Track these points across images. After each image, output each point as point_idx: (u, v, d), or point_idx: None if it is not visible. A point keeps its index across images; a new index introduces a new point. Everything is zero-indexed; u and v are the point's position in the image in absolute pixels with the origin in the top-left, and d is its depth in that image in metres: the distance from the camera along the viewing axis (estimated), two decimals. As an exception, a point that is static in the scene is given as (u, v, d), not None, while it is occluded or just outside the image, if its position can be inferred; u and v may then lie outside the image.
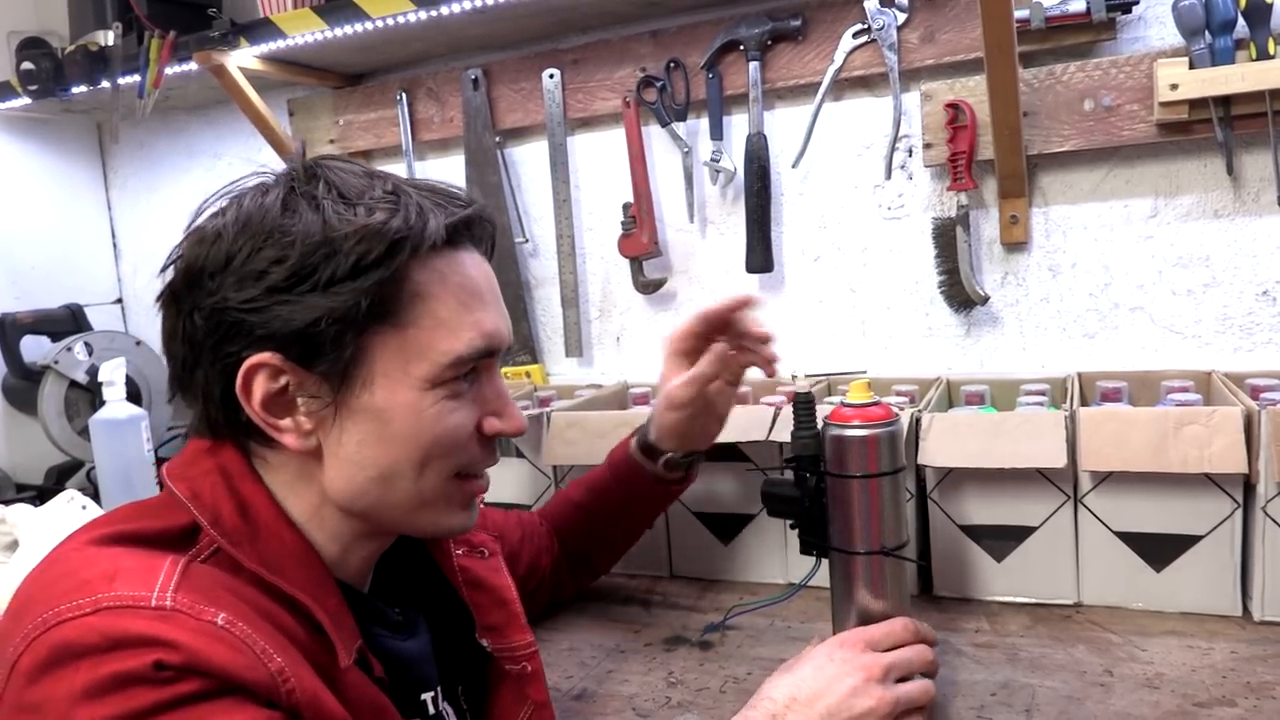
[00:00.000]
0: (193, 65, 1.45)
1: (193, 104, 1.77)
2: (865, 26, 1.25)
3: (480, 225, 0.67)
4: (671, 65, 1.37)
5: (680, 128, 1.39)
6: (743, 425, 1.13)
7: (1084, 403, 1.09)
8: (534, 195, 1.53)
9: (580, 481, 1.07)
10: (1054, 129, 1.18)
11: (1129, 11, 1.12)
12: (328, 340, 0.60)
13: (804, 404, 0.89)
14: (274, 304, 0.59)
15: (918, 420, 1.07)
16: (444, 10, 1.27)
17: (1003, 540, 1.04)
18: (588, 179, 1.49)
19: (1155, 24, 1.14)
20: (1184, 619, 0.97)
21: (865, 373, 0.92)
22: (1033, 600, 1.03)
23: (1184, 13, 1.08)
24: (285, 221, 0.60)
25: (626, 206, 1.43)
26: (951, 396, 1.24)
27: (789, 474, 0.89)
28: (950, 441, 1.04)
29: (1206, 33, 1.07)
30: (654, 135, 1.42)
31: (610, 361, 1.53)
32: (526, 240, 1.54)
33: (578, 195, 1.50)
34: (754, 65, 1.31)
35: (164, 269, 0.63)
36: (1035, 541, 1.03)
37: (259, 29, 1.39)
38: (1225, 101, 1.08)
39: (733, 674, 0.93)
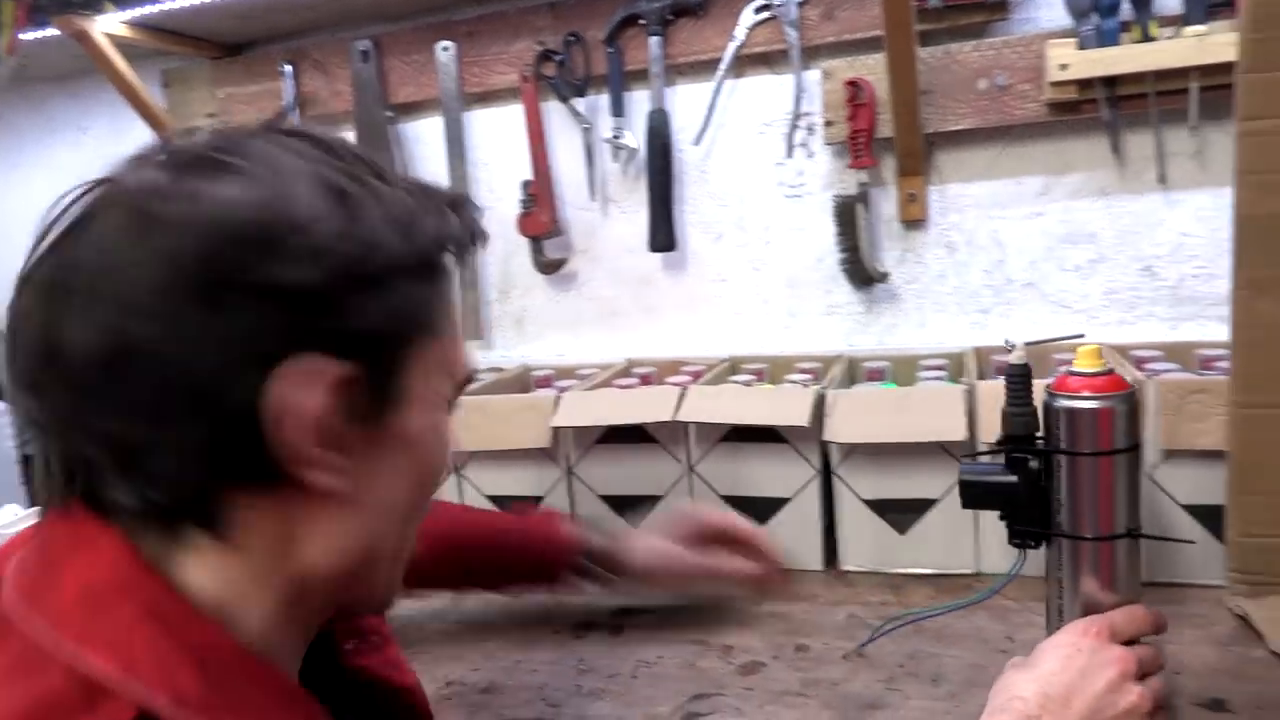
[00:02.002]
0: (53, 31, 1.35)
1: (55, 74, 1.65)
2: (766, 3, 1.24)
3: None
4: (571, 39, 1.33)
5: (580, 104, 1.36)
6: (648, 405, 1.12)
7: (980, 376, 1.11)
8: (428, 172, 1.48)
9: (471, 526, 0.98)
10: (950, 108, 1.19)
11: (1022, -9, 1.14)
12: (394, 347, 0.48)
13: (1020, 376, 0.78)
14: (341, 290, 0.45)
15: (822, 398, 1.07)
16: (330, -24, 1.21)
17: (906, 513, 1.06)
18: (486, 156, 1.45)
19: (1045, 5, 1.17)
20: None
21: (1083, 336, 0.80)
22: (935, 571, 1.05)
23: (1073, -6, 1.10)
24: (338, 198, 0.46)
25: (526, 184, 1.40)
26: (853, 373, 1.26)
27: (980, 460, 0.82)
28: (856, 418, 1.04)
29: (1094, 15, 1.09)
30: (553, 111, 1.39)
31: (511, 344, 1.50)
32: (423, 219, 1.49)
33: (476, 173, 1.45)
34: (655, 40, 1.28)
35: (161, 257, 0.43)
36: (937, 513, 1.04)
37: (126, -8, 1.30)
38: (1111, 82, 1.12)
39: (644, 658, 0.92)
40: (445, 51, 1.40)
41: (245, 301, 0.43)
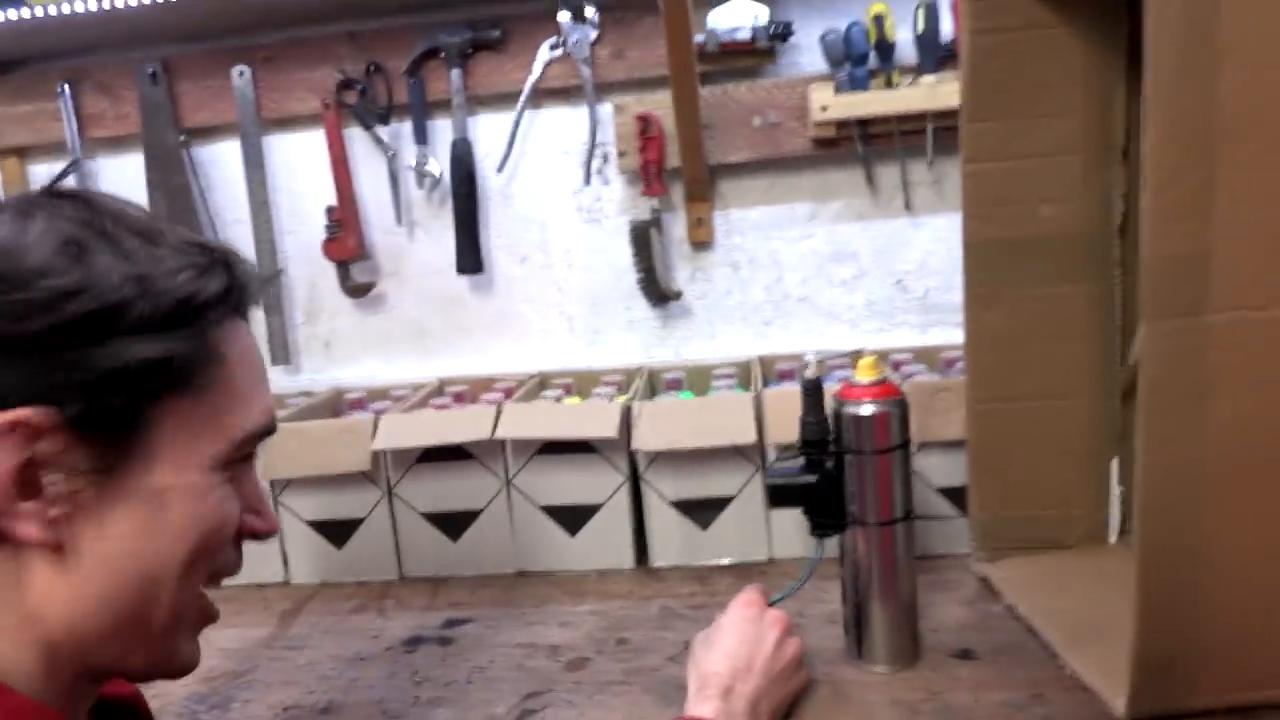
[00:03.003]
0: None
1: None
2: (560, 41, 1.32)
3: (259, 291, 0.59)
4: (372, 68, 1.36)
5: (383, 131, 1.39)
6: (467, 424, 1.17)
7: (766, 383, 1.24)
8: (227, 197, 1.46)
9: None
10: (729, 141, 1.32)
11: (785, 40, 1.28)
12: (122, 401, 0.48)
13: (814, 389, 0.90)
14: (67, 342, 0.46)
15: (628, 410, 1.17)
16: (119, 4, 1.18)
17: (706, 511, 1.17)
18: (287, 180, 1.45)
19: (806, 51, 1.32)
20: (853, 562, 1.14)
21: (861, 351, 0.91)
22: (735, 561, 1.17)
23: (829, 45, 1.25)
24: (75, 252, 0.47)
25: (330, 210, 1.41)
26: (654, 384, 1.36)
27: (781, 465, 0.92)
28: (659, 427, 1.14)
29: (847, 63, 1.25)
30: (356, 137, 1.41)
31: (320, 367, 1.50)
32: (221, 245, 1.46)
33: (277, 198, 1.45)
34: (456, 72, 1.34)
35: None
36: (733, 509, 1.16)
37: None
38: (864, 122, 1.28)
39: (477, 664, 0.98)
40: (241, 76, 1.39)
41: None
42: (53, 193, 0.51)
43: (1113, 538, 1.09)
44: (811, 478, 0.91)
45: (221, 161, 1.45)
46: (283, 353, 1.47)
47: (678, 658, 0.95)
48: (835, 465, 0.90)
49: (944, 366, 1.28)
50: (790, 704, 0.84)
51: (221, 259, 0.53)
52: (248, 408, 0.54)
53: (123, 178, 1.45)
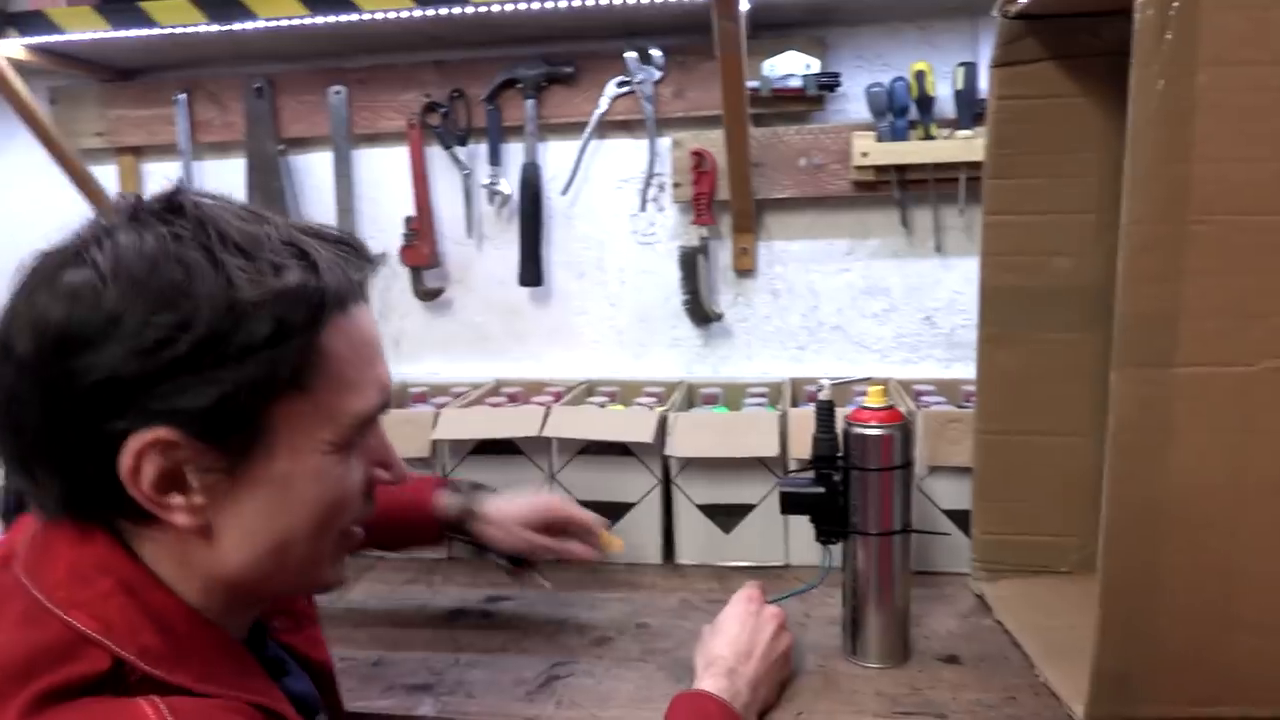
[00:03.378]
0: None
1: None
2: (627, 79, 1.44)
3: (373, 273, 0.64)
4: (455, 94, 1.50)
5: (461, 151, 1.52)
6: (518, 421, 1.30)
7: (794, 404, 1.35)
8: (316, 203, 1.61)
9: None
10: (776, 179, 1.43)
11: (833, 90, 1.39)
12: (236, 414, 0.54)
13: (826, 409, 1.01)
14: (178, 378, 0.52)
15: (664, 419, 1.28)
16: (237, 27, 1.33)
17: (730, 516, 1.28)
18: (371, 190, 1.59)
19: (852, 100, 1.42)
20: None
21: (870, 379, 1.07)
22: (753, 564, 1.27)
23: (873, 97, 1.36)
24: (181, 279, 0.53)
25: (409, 219, 1.55)
26: (692, 398, 1.48)
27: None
28: (692, 436, 1.26)
29: (889, 114, 1.35)
30: (436, 155, 1.55)
31: (390, 364, 1.64)
32: (309, 245, 1.61)
33: (361, 206, 1.59)
34: (530, 102, 1.47)
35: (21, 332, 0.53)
36: (755, 516, 1.27)
37: (30, 22, 1.38)
38: (902, 169, 1.38)
39: (511, 636, 1.09)
40: (337, 95, 1.54)
41: (88, 385, 0.52)
42: (170, 206, 0.57)
43: (1103, 567, 1.17)
44: (820, 489, 1.01)
45: (313, 170, 1.60)
46: (357, 346, 1.61)
47: (691, 644, 1.06)
48: (842, 479, 1.01)
49: (963, 399, 1.37)
50: (779, 691, 0.95)
51: (315, 262, 0.57)
52: (358, 394, 0.60)
53: (225, 180, 1.60)
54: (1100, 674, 0.86)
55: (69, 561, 0.57)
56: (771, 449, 1.22)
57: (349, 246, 0.61)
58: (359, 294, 0.62)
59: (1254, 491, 0.83)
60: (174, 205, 0.57)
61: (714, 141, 1.43)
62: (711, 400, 1.44)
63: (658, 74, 1.43)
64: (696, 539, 1.29)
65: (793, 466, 1.24)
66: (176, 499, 0.56)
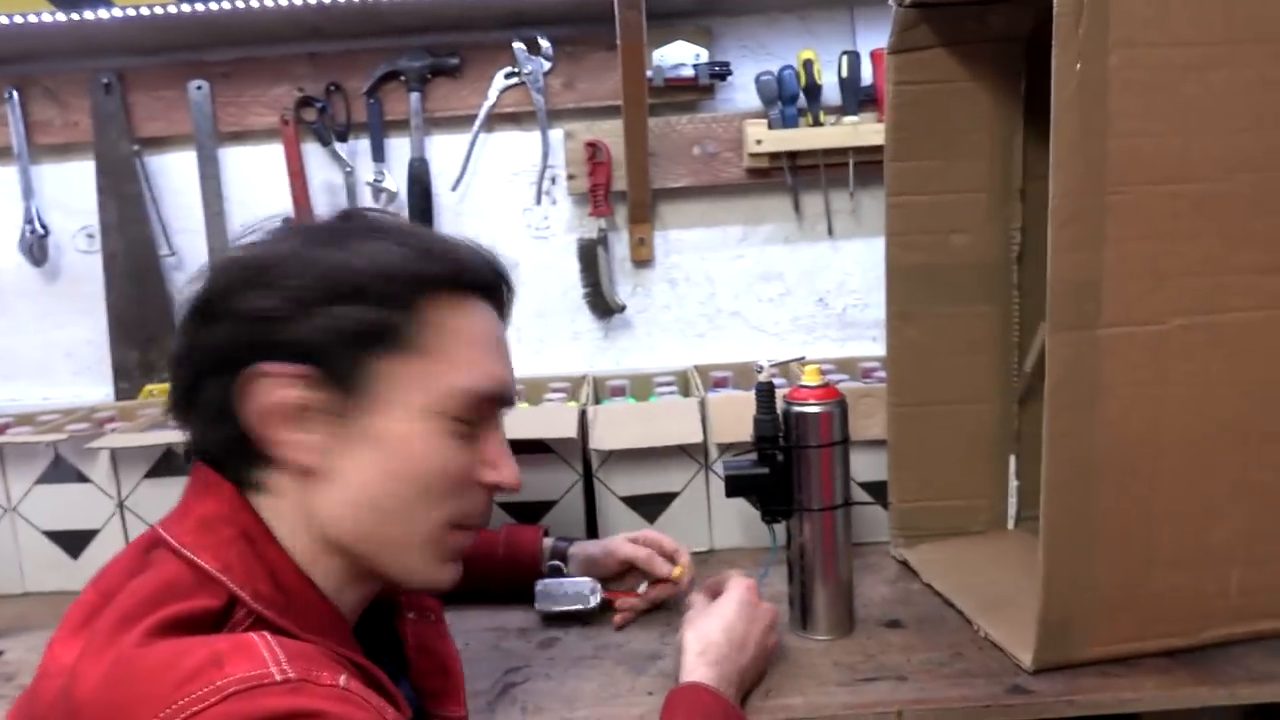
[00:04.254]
0: None
1: None
2: (515, 70, 1.41)
3: (506, 291, 0.74)
4: (331, 88, 1.42)
5: (342, 148, 1.45)
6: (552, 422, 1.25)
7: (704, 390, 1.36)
8: (179, 207, 1.49)
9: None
10: (670, 168, 1.44)
11: (724, 79, 1.41)
12: (346, 356, 0.62)
13: (766, 391, 1.02)
14: (297, 314, 0.61)
15: (584, 413, 1.27)
16: (87, 15, 1.21)
17: (654, 505, 1.27)
18: (241, 192, 1.49)
19: (741, 90, 1.45)
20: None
21: (804, 358, 1.12)
22: (680, 551, 1.28)
23: (763, 86, 1.39)
24: (316, 248, 0.64)
25: (287, 222, 1.45)
26: (599, 391, 1.46)
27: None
28: (614, 428, 1.25)
29: (779, 102, 1.39)
30: (314, 153, 1.47)
31: (269, 373, 1.54)
32: (173, 254, 1.49)
33: (230, 209, 1.49)
34: (415, 96, 1.41)
35: (194, 284, 0.64)
36: (679, 503, 1.27)
37: None
38: (793, 155, 1.42)
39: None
40: (199, 90, 1.42)
41: (221, 322, 0.62)
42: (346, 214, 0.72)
43: (1010, 524, 1.25)
44: (764, 469, 1.02)
45: (174, 171, 1.48)
46: (233, 359, 1.50)
47: (641, 639, 1.05)
48: (784, 458, 1.02)
49: (862, 375, 1.43)
50: (756, 685, 0.95)
51: (440, 248, 0.67)
52: (462, 369, 0.66)
53: (71, 185, 1.46)
54: (1046, 623, 0.91)
55: (198, 514, 0.63)
56: (695, 435, 1.23)
57: (474, 251, 0.71)
58: (486, 294, 0.71)
59: (1169, 439, 0.90)
60: (346, 214, 0.72)
61: (608, 132, 1.42)
62: (619, 393, 1.43)
63: (547, 65, 1.41)
64: (618, 531, 1.26)
65: (714, 453, 1.25)
66: (295, 435, 0.62)
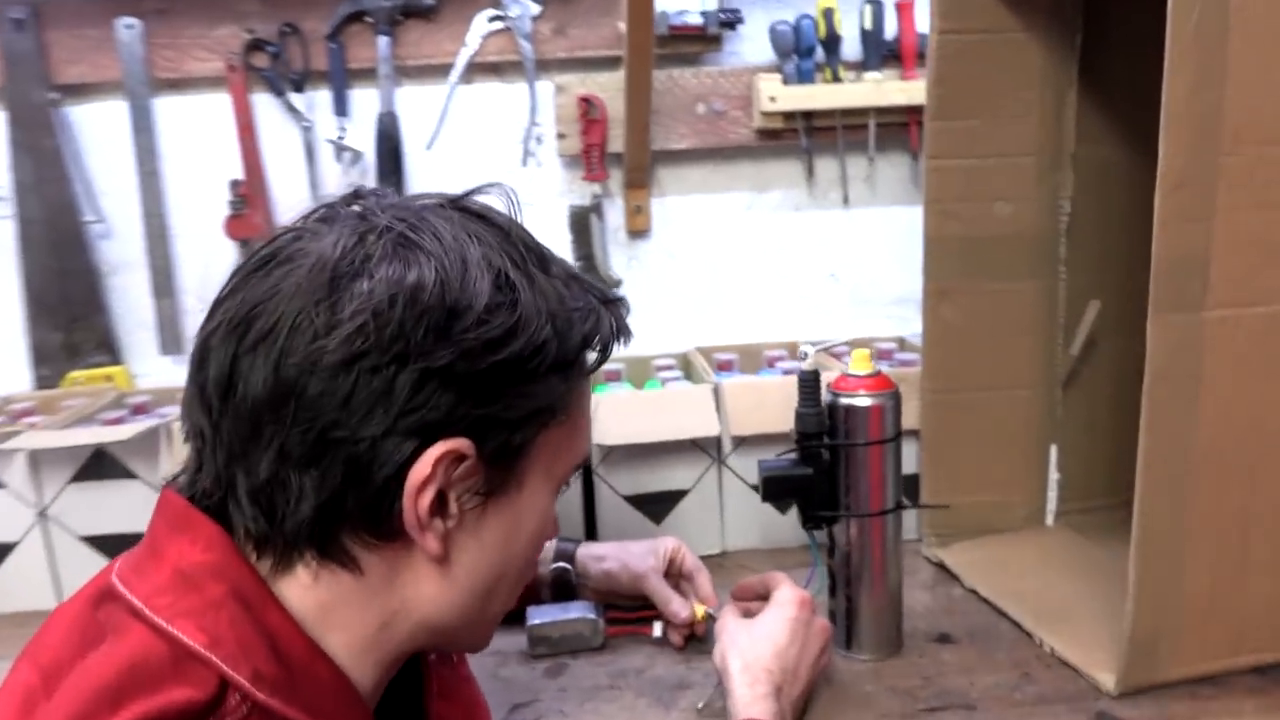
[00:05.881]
0: None
1: None
2: (499, 14, 1.26)
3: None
4: (286, 29, 1.25)
5: (298, 100, 1.28)
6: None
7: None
8: (106, 165, 1.30)
9: None
10: (673, 128, 1.30)
11: (734, 28, 1.27)
12: (524, 433, 0.52)
13: (811, 380, 0.88)
14: (500, 381, 0.50)
15: (583, 401, 1.13)
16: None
17: (661, 505, 1.15)
18: (181, 149, 1.30)
19: (749, 41, 1.31)
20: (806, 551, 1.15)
21: (838, 342, 1.00)
22: (692, 554, 1.15)
23: (778, 36, 1.25)
24: (507, 288, 0.50)
25: (235, 184, 1.28)
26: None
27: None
28: (620, 420, 1.11)
29: (795, 56, 1.25)
30: (266, 104, 1.29)
31: (215, 356, 1.37)
32: (99, 220, 1.30)
33: (165, 168, 1.30)
34: (384, 40, 1.25)
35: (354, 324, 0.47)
36: (688, 502, 1.15)
37: None
38: (808, 115, 1.29)
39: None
40: (129, 30, 1.24)
41: (414, 379, 0.48)
42: (456, 206, 0.54)
43: (1050, 520, 1.15)
44: (808, 470, 0.90)
45: (100, 124, 1.29)
46: (173, 341, 1.33)
47: (655, 658, 0.92)
48: (832, 457, 0.90)
49: (877, 358, 1.31)
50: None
51: (601, 298, 0.57)
52: (586, 435, 0.60)
53: (-25, 137, 1.27)
54: (1135, 640, 0.81)
55: (176, 565, 0.50)
56: (711, 428, 1.10)
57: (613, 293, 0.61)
58: None
59: (1273, 434, 0.81)
60: (466, 207, 0.55)
61: (603, 86, 1.28)
62: (614, 377, 1.30)
63: (536, 8, 1.26)
64: (625, 534, 1.14)
65: (729, 446, 1.12)
66: (436, 522, 0.52)
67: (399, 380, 0.48)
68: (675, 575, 0.96)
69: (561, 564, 0.96)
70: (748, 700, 0.74)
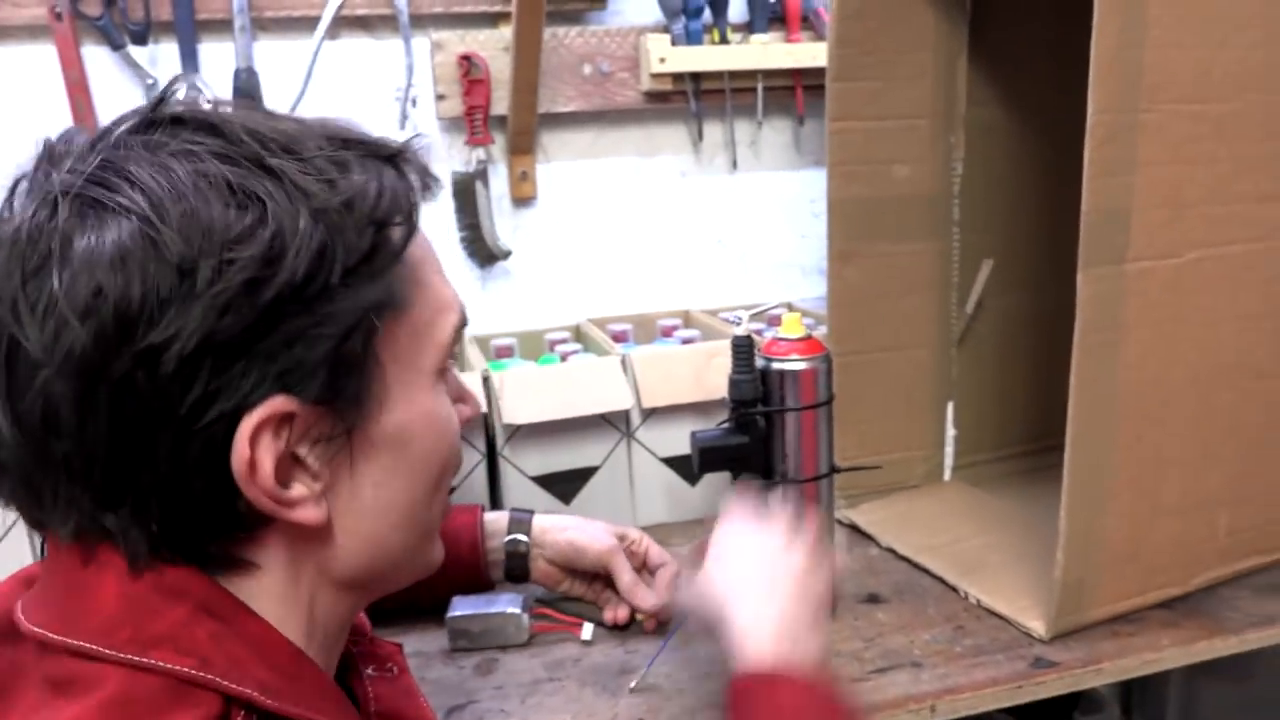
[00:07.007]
0: None
1: None
2: (371, -38, 1.15)
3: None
4: (121, -27, 1.10)
5: (140, 54, 1.12)
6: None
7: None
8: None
9: None
10: (559, 90, 1.24)
11: (620, -15, 1.23)
12: (350, 356, 0.44)
13: (745, 346, 0.85)
14: (280, 326, 0.41)
15: (487, 379, 1.06)
16: None
17: (570, 483, 1.10)
18: (-3, 110, 1.13)
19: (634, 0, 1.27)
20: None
21: (788, 305, 0.94)
22: (601, 533, 1.11)
23: (667, -5, 1.22)
24: (244, 200, 0.41)
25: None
26: (484, 351, 1.25)
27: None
28: (527, 397, 1.05)
29: (683, 16, 1.22)
30: (102, 58, 1.13)
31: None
32: (-105, 191, 1.11)
33: (-22, 132, 1.13)
34: (239, -12, 1.12)
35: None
36: (598, 479, 1.10)
37: None
38: (696, 77, 1.26)
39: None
40: (-77, -32, 1.05)
41: (177, 369, 0.39)
42: (171, 119, 0.44)
43: (947, 475, 1.18)
44: (743, 438, 0.88)
45: (-109, 80, 1.10)
46: None
47: (589, 646, 0.88)
48: (765, 424, 0.88)
49: (769, 325, 1.31)
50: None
51: (389, 154, 0.48)
52: (445, 303, 0.51)
53: None
54: (1065, 585, 0.84)
55: (118, 592, 0.43)
56: (624, 400, 1.06)
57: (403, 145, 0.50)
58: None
59: (1180, 381, 0.85)
60: (166, 119, 0.44)
61: (484, 44, 1.20)
62: (506, 353, 1.23)
63: (409, -43, 1.16)
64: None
65: (637, 419, 1.09)
66: (298, 489, 0.45)
67: (159, 378, 0.39)
68: (638, 567, 0.91)
69: (515, 535, 0.90)
70: (754, 657, 0.63)
